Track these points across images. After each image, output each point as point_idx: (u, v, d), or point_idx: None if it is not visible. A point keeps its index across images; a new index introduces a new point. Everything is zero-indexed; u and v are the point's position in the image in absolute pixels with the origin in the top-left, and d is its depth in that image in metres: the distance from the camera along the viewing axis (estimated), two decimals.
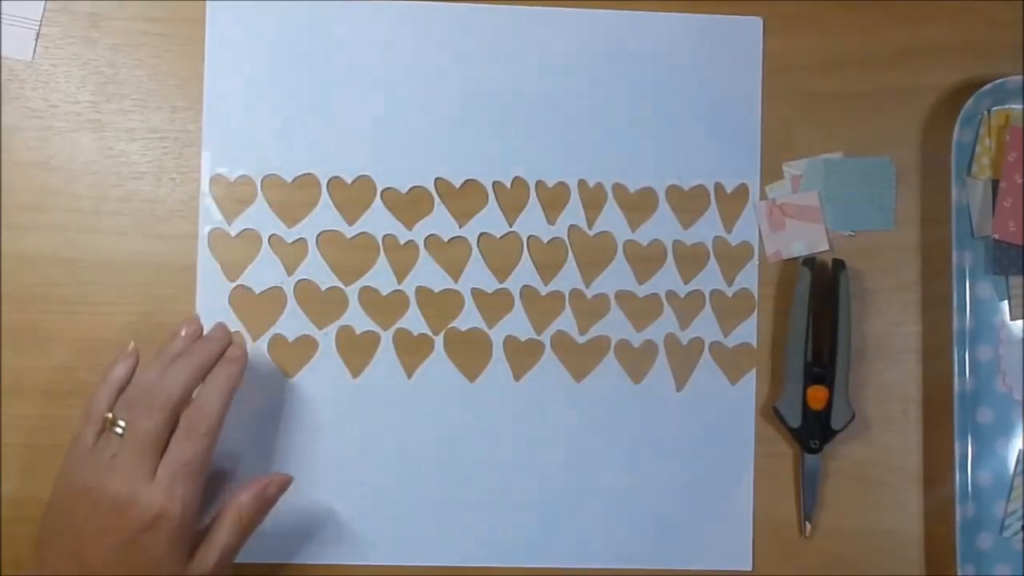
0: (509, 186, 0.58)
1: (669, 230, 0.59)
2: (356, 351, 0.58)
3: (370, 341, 0.58)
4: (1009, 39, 0.60)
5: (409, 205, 0.58)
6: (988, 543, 0.58)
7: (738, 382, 0.59)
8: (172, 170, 0.57)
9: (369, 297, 0.58)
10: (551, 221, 0.59)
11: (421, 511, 0.57)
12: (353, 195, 0.58)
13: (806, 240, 0.59)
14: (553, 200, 0.59)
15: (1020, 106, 0.59)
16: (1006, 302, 0.59)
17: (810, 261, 0.58)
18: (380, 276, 0.58)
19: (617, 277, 0.59)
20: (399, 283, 0.58)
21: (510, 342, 0.58)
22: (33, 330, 0.56)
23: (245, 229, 0.57)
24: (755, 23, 0.59)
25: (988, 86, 0.57)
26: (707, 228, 0.59)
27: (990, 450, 0.58)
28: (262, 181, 0.57)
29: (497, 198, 0.58)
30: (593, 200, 0.59)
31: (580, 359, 0.58)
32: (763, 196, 0.59)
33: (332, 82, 0.58)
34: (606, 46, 0.59)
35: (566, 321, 0.58)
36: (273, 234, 0.57)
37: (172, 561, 0.48)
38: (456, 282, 0.58)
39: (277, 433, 0.57)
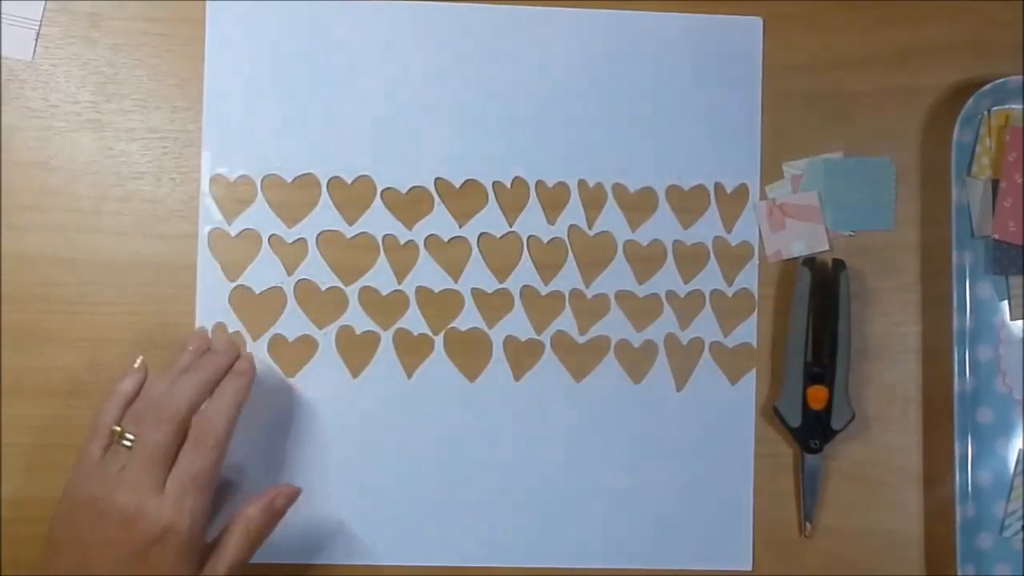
0: (509, 186, 0.58)
1: (669, 230, 0.59)
2: (356, 351, 0.58)
3: (370, 341, 0.58)
4: (1009, 39, 0.60)
5: (409, 205, 0.58)
6: (988, 543, 0.58)
7: (738, 382, 0.59)
8: (172, 170, 0.57)
9: (369, 297, 0.58)
10: (551, 221, 0.59)
11: (421, 511, 0.57)
12: (353, 195, 0.58)
13: (806, 240, 0.59)
14: (553, 200, 0.59)
15: (1020, 106, 0.58)
16: (1006, 302, 0.59)
17: (810, 261, 0.58)
18: (380, 276, 0.58)
19: (617, 277, 0.59)
20: (399, 283, 0.58)
21: (510, 342, 0.58)
22: (33, 330, 0.56)
23: (245, 229, 0.57)
24: (755, 23, 0.59)
25: (988, 86, 0.57)
26: (707, 228, 0.59)
27: (990, 450, 0.58)
28: (262, 181, 0.57)
29: (497, 198, 0.58)
30: (593, 200, 0.59)
31: (580, 359, 0.58)
32: (763, 196, 0.59)
33: (332, 82, 0.58)
34: (606, 46, 0.59)
35: (566, 321, 0.58)
36: (273, 234, 0.57)
37: (180, 574, 0.47)
38: (456, 282, 0.58)
39: (276, 433, 0.57)
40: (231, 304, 0.57)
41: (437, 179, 0.58)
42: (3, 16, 0.57)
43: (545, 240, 0.59)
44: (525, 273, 0.58)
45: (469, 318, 0.58)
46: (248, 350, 0.57)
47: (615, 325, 0.58)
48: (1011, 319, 0.59)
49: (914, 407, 0.59)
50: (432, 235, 0.58)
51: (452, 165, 0.58)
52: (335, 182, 0.58)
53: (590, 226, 0.59)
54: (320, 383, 0.57)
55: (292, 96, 0.58)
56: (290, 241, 0.58)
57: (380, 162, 0.58)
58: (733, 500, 0.58)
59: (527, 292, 0.58)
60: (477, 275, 0.58)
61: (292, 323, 0.57)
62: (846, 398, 0.57)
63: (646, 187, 0.59)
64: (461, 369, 0.58)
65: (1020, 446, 0.58)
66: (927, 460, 0.59)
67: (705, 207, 0.59)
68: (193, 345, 0.54)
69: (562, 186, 0.59)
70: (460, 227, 0.58)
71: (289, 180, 0.58)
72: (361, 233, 0.58)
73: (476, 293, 0.58)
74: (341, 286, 0.58)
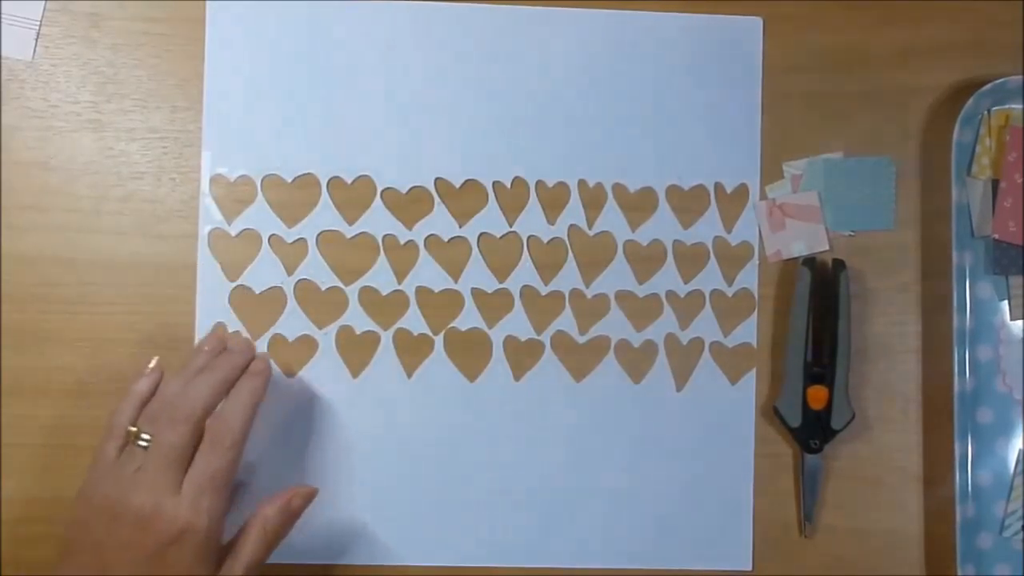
0: (509, 186, 0.58)
1: (669, 230, 0.59)
2: (356, 351, 0.58)
3: (370, 341, 0.58)
4: (1009, 39, 0.60)
5: (409, 205, 0.58)
6: (988, 543, 0.58)
7: (738, 382, 0.59)
8: (172, 170, 0.57)
9: (369, 297, 0.58)
10: (551, 221, 0.59)
11: (421, 511, 0.57)
12: (353, 195, 0.58)
13: (806, 240, 0.59)
14: (553, 200, 0.59)
15: (1020, 106, 0.58)
16: (1006, 302, 0.59)
17: (810, 261, 0.58)
18: (380, 276, 0.58)
19: (617, 277, 0.59)
20: (399, 283, 0.58)
21: (510, 342, 0.58)
22: (33, 330, 0.56)
23: (245, 229, 0.57)
24: (755, 23, 0.59)
25: (988, 86, 0.57)
26: (707, 228, 0.59)
27: (990, 450, 0.58)
28: (262, 181, 0.57)
29: (497, 198, 0.58)
30: (593, 200, 0.59)
31: (580, 359, 0.58)
32: (763, 196, 0.59)
33: (332, 82, 0.58)
34: (606, 46, 0.59)
35: (566, 321, 0.58)
36: (273, 234, 0.57)
37: (198, 575, 0.47)
38: (456, 282, 0.58)
39: (277, 433, 0.57)
40: (231, 304, 0.57)
41: (437, 179, 0.58)
42: (3, 16, 0.57)
43: (545, 240, 0.59)
44: (525, 273, 0.58)
45: (469, 318, 0.58)
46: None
47: (615, 325, 0.58)
48: (1011, 319, 0.59)
49: (914, 407, 0.59)
50: (432, 235, 0.58)
51: (452, 165, 0.58)
52: (335, 182, 0.58)
53: (590, 226, 0.59)
54: (320, 383, 0.57)
55: (292, 96, 0.58)
56: (290, 241, 0.58)
57: (380, 162, 0.58)
58: (733, 500, 0.58)
59: (527, 292, 0.58)
60: (477, 275, 0.58)
61: (292, 323, 0.57)
62: (846, 398, 0.57)
63: (646, 187, 0.59)
64: (461, 369, 0.58)
65: (1020, 446, 0.58)
66: (927, 460, 0.59)
67: (705, 207, 0.59)
68: (209, 345, 0.54)
69: (562, 186, 0.59)
70: (460, 227, 0.58)
71: (289, 180, 0.58)
72: (361, 233, 0.58)
73: (476, 293, 0.58)
74: (341, 286, 0.58)
